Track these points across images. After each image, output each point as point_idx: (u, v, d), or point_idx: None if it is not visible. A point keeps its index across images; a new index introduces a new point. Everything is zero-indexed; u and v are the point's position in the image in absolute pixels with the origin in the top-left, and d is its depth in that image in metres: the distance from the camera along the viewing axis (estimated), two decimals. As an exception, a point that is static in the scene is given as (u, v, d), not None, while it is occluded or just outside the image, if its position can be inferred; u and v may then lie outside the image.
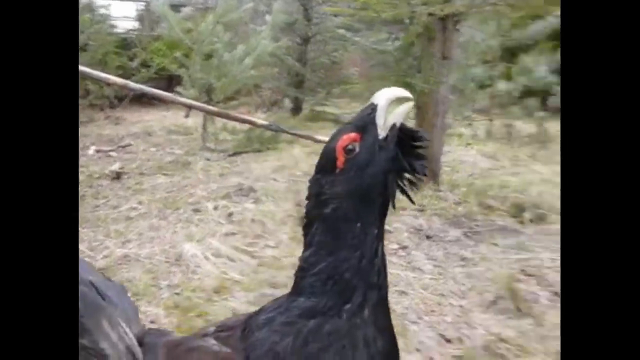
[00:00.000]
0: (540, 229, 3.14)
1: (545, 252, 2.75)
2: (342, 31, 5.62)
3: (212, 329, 0.96)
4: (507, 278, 2.34)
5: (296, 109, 7.44)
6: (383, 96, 0.80)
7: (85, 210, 3.33)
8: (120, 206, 3.45)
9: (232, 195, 3.68)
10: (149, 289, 2.32)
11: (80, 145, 5.11)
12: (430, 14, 3.12)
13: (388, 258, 2.72)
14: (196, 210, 3.34)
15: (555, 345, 1.90)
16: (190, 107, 5.59)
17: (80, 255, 1.77)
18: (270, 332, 0.83)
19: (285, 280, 2.29)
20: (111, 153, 5.10)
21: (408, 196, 0.84)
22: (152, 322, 2.04)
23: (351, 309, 0.80)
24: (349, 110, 7.44)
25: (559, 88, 6.09)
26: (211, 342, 0.90)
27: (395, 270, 2.58)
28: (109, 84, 5.63)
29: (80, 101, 6.42)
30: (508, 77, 6.37)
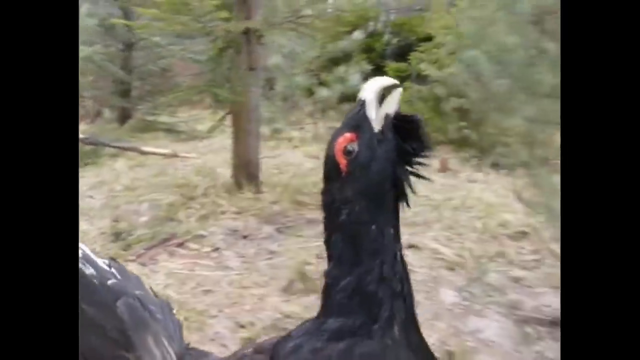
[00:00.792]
0: (340, 217, 3.64)
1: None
2: (157, 39, 5.53)
3: (250, 350, 0.95)
4: (299, 263, 2.68)
5: (123, 119, 7.02)
6: (369, 89, 0.79)
7: None
8: None
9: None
10: None
11: None
12: (227, 30, 3.33)
13: (198, 261, 2.84)
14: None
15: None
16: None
17: None
18: None
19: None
20: None
21: (423, 177, 0.82)
22: None
23: (381, 326, 0.77)
24: (185, 118, 7.35)
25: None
26: None
27: (204, 272, 2.72)
28: None
29: None
30: (328, 85, 7.08)
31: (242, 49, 3.81)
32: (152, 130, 6.87)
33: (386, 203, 0.79)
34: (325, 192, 0.83)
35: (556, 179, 1.76)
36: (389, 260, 0.79)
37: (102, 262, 0.96)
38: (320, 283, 2.64)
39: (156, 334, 0.93)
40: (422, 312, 2.29)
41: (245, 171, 4.06)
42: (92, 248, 3.17)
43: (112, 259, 1.02)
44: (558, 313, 2.16)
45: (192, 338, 1.46)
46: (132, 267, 2.60)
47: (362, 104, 0.79)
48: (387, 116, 0.79)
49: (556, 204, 1.71)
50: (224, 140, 4.26)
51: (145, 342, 0.91)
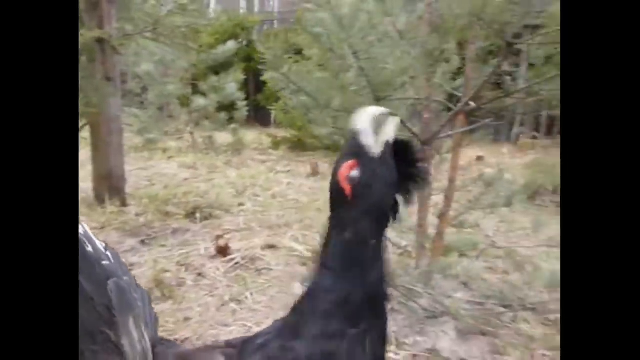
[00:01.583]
0: (207, 224, 3.72)
1: (204, 243, 3.29)
2: None
3: (222, 343, 1.00)
4: (158, 272, 2.72)
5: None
6: (361, 119, 0.85)
7: None
8: None
9: None
10: None
11: None
12: (74, 38, 3.21)
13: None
14: None
15: (193, 315, 2.35)
16: None
17: None
18: (264, 358, 0.86)
19: None
20: None
21: (412, 198, 0.90)
22: None
23: (356, 334, 0.84)
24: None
25: (243, 103, 7.19)
26: (219, 357, 0.93)
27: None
28: None
29: None
30: (204, 94, 7.07)
31: (96, 58, 3.68)
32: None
33: (384, 222, 0.88)
34: (332, 217, 0.90)
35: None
36: (377, 272, 0.87)
37: (99, 244, 1.01)
38: (178, 290, 2.68)
39: (137, 318, 0.98)
40: (274, 305, 2.51)
41: (108, 184, 3.91)
42: None
43: (106, 244, 1.06)
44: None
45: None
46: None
47: (356, 133, 0.86)
48: (387, 142, 0.86)
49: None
50: (88, 154, 4.03)
51: (126, 322, 0.96)
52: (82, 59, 3.73)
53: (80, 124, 4.40)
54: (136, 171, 5.44)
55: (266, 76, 1.63)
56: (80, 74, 3.77)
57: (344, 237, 0.86)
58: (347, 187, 0.84)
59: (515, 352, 1.97)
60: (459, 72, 2.50)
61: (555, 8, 1.46)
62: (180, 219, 3.80)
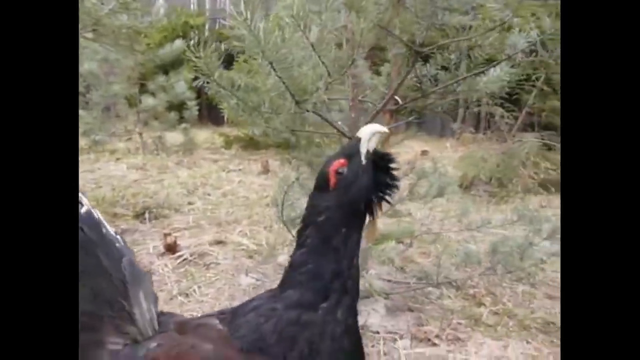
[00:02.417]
0: (157, 223, 3.75)
1: (152, 242, 3.32)
2: None
3: (216, 312, 1.15)
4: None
5: None
6: (366, 131, 1.02)
7: None
8: None
9: None
10: None
11: None
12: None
13: None
14: None
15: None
16: None
17: None
18: (257, 316, 1.01)
19: None
20: None
21: (387, 202, 1.05)
22: None
23: (327, 307, 0.99)
24: None
25: (194, 102, 7.14)
26: (215, 321, 1.07)
27: None
28: None
29: None
30: (153, 93, 6.96)
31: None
32: None
33: (357, 217, 1.03)
34: (312, 196, 1.06)
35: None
36: (347, 261, 1.01)
37: (112, 229, 1.15)
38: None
39: (146, 291, 1.13)
40: (220, 296, 2.61)
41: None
42: None
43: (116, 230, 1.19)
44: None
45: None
46: None
47: (359, 140, 1.02)
48: (368, 152, 1.02)
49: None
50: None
51: (137, 294, 1.10)
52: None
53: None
54: (82, 174, 5.31)
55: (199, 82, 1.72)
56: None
57: (317, 221, 1.02)
58: (332, 179, 1.01)
59: (435, 322, 2.19)
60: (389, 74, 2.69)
61: (455, 20, 1.67)
62: (129, 220, 3.80)
